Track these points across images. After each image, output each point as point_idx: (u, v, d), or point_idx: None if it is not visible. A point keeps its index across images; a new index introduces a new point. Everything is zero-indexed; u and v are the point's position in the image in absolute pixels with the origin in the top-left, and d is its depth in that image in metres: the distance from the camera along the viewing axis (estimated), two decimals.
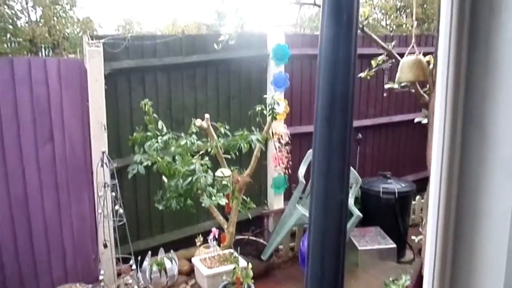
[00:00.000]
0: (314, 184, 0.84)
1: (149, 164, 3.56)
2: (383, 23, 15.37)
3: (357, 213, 4.17)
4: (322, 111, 0.81)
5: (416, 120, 3.42)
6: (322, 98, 0.81)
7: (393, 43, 2.82)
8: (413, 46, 2.43)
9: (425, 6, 12.80)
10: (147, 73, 4.38)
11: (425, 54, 2.55)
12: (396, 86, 2.49)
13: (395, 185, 4.86)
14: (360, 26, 2.83)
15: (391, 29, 15.28)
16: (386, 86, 2.57)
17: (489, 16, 0.71)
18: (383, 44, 2.86)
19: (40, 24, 12.59)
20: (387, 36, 6.28)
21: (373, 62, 2.92)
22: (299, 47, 5.07)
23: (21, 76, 4.10)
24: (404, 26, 14.65)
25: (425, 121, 2.82)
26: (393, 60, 2.84)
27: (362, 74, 2.99)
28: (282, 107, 4.24)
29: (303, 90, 5.20)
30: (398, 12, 15.06)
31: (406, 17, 14.80)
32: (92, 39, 4.08)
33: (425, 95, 2.75)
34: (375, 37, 2.88)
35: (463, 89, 0.77)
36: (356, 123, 5.42)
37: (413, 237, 4.25)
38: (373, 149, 5.99)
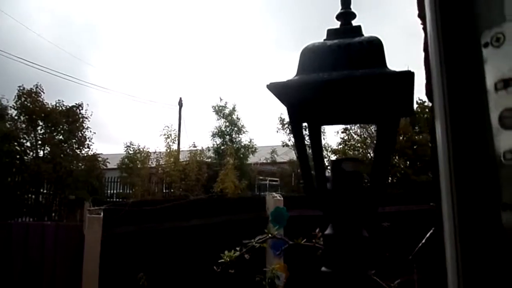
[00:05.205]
0: None
1: None
2: None
3: None
4: None
5: None
6: None
7: None
8: None
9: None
10: (145, 237, 4.33)
11: None
12: None
13: None
14: None
15: None
16: None
17: None
18: None
19: (46, 161, 13.00)
20: None
21: None
22: (299, 209, 5.11)
23: (17, 240, 4.05)
24: None
25: None
26: None
27: None
28: (282, 279, 4.08)
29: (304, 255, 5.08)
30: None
31: None
32: (94, 205, 4.13)
33: None
34: None
35: None
36: None
37: None
38: None
